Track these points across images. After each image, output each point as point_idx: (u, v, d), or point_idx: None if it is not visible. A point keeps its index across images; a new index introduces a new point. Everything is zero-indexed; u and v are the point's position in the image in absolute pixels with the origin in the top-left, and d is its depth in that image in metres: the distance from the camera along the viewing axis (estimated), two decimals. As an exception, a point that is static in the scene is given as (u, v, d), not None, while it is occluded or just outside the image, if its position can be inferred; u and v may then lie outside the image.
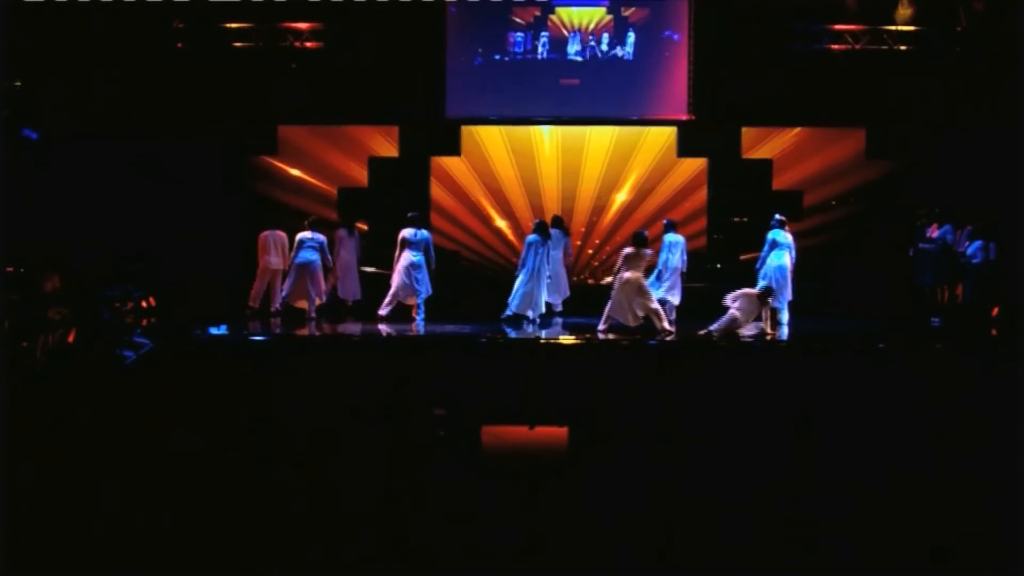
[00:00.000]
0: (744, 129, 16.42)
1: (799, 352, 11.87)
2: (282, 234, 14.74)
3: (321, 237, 14.35)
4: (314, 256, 14.22)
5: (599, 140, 16.50)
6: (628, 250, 12.74)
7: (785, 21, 15.90)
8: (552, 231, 14.34)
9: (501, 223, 16.70)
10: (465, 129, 16.60)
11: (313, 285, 14.28)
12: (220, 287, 15.02)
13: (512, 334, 13.23)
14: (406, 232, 13.95)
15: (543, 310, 14.00)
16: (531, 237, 13.89)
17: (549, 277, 14.24)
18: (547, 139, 16.58)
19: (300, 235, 14.31)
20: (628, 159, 16.51)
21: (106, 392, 9.66)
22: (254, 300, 14.68)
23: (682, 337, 12.43)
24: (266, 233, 14.72)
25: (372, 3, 15.24)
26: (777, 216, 13.93)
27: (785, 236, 13.74)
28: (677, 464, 5.74)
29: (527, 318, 13.83)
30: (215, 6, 15.57)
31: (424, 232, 14.10)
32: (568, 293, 14.93)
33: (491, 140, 16.61)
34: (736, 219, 16.45)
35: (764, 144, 16.44)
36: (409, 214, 14.19)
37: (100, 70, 15.08)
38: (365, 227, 16.01)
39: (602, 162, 16.51)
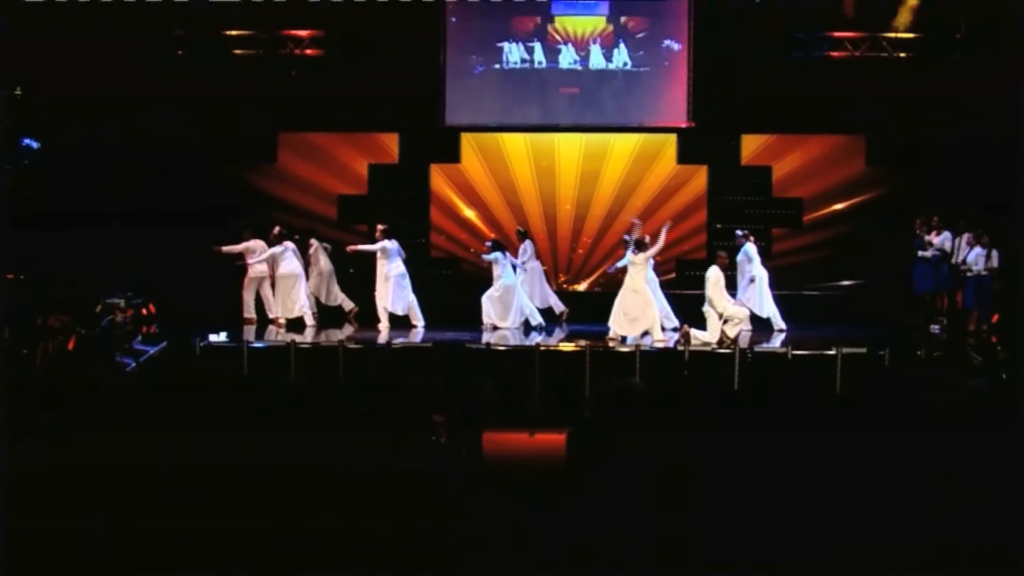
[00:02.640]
0: (744, 136, 16.42)
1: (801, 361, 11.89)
2: (261, 243, 14.84)
3: (292, 245, 14.80)
4: (294, 266, 14.59)
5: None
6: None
7: (785, 29, 15.91)
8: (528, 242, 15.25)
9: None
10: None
11: (302, 293, 14.67)
12: (219, 295, 15.03)
13: (512, 340, 13.27)
14: (389, 244, 14.44)
15: (533, 313, 14.42)
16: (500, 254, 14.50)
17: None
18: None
19: (277, 246, 14.68)
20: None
21: (106, 399, 9.65)
22: (247, 310, 14.83)
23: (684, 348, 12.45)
24: (247, 243, 14.82)
25: (373, 11, 15.25)
26: (740, 232, 14.48)
27: (754, 248, 14.44)
28: (676, 468, 5.74)
29: (532, 326, 14.27)
30: (216, 13, 15.57)
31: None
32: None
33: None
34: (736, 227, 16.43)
35: (764, 151, 16.44)
36: (381, 226, 14.56)
37: (100, 78, 15.08)
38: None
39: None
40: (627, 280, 13.07)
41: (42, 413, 7.11)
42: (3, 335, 10.37)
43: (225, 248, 14.70)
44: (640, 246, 13.10)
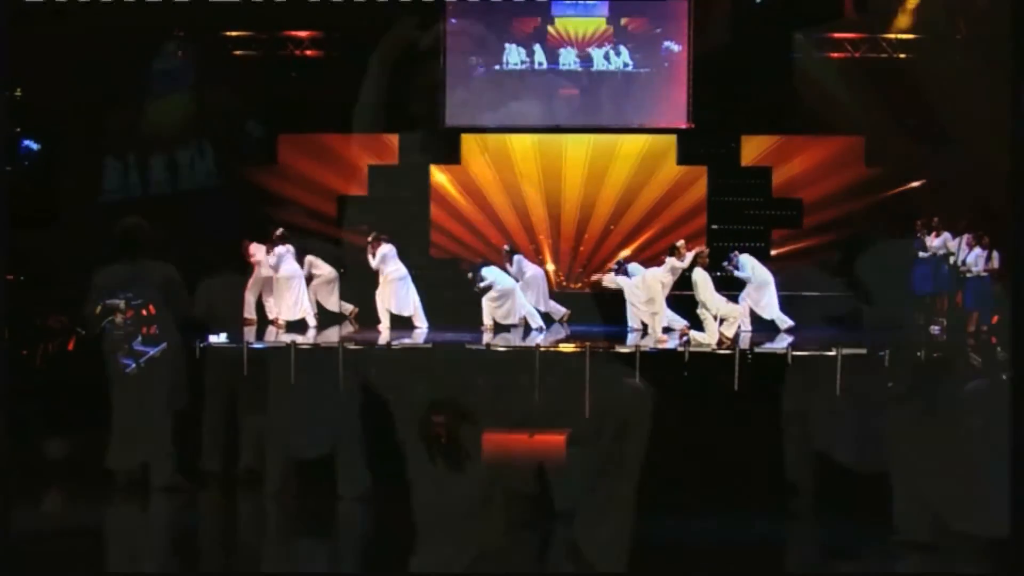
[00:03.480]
0: (744, 137, 16.41)
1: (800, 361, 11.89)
2: (264, 244, 14.84)
3: (292, 248, 14.74)
4: (293, 267, 14.58)
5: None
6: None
7: (785, 29, 15.91)
8: (516, 256, 15.21)
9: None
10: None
11: (302, 293, 14.65)
12: (218, 295, 15.00)
13: (512, 341, 13.28)
14: (390, 248, 14.40)
15: (532, 315, 14.39)
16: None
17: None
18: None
19: (278, 248, 14.62)
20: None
21: (106, 399, 9.66)
22: (248, 310, 14.83)
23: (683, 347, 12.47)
24: (252, 244, 14.81)
25: (373, 11, 15.25)
26: (726, 263, 14.52)
27: (747, 256, 14.52)
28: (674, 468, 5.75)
29: (531, 327, 14.25)
30: (216, 13, 15.56)
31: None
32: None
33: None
34: (736, 228, 16.44)
35: (764, 152, 16.44)
36: (374, 233, 14.51)
37: (100, 78, 15.08)
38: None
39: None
40: (648, 272, 13.54)
41: (42, 413, 7.12)
42: (3, 335, 10.36)
43: (262, 258, 14.76)
44: (674, 252, 13.48)
